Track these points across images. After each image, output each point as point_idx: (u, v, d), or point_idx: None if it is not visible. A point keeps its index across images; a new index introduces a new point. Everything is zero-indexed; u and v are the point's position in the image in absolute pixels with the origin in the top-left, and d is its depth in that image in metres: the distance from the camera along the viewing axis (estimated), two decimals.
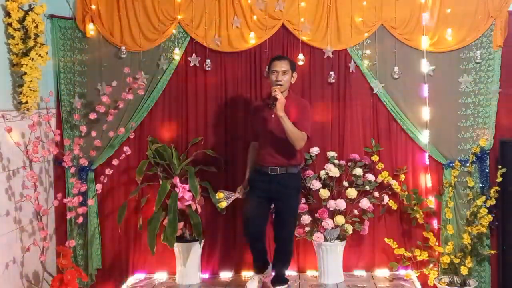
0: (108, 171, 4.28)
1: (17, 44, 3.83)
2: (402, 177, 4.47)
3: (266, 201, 4.01)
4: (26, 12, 3.88)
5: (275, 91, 3.73)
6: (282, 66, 3.89)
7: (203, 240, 4.42)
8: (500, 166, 4.29)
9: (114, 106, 4.42)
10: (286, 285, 4.15)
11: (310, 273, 4.60)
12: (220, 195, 4.06)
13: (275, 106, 3.69)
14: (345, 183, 4.45)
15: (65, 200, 4.17)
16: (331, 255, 4.37)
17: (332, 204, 4.38)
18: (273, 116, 3.82)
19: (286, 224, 4.01)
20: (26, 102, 3.92)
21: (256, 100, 4.44)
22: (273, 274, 4.21)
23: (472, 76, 4.41)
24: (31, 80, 3.91)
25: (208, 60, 4.54)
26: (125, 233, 4.63)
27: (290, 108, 3.82)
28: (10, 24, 3.79)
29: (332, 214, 4.40)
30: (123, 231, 4.54)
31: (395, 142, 4.55)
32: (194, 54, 4.55)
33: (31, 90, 3.93)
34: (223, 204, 4.06)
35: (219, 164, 4.51)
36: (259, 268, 4.22)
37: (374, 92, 4.49)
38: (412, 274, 4.42)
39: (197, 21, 4.51)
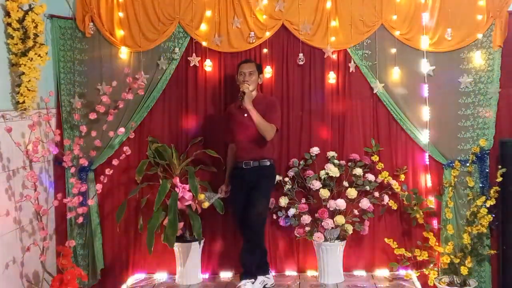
0: (108, 171, 4.28)
1: (16, 44, 3.82)
2: (402, 177, 4.47)
3: (244, 193, 4.15)
4: (26, 12, 3.87)
5: (243, 86, 4.09)
6: (249, 67, 4.19)
7: (203, 240, 4.43)
8: (500, 166, 4.29)
9: (114, 106, 4.42)
10: (252, 280, 4.12)
11: (310, 273, 4.60)
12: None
13: (243, 99, 4.01)
14: (345, 183, 4.45)
15: (65, 200, 4.17)
16: (331, 255, 4.37)
17: (332, 204, 4.38)
18: (245, 115, 4.09)
19: (252, 210, 4.04)
20: (23, 102, 3.91)
21: (229, 104, 4.43)
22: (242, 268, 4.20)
23: (472, 76, 4.41)
24: (29, 80, 3.90)
25: (208, 60, 4.55)
26: (125, 233, 4.63)
27: (259, 105, 4.09)
28: (9, 24, 3.78)
29: (332, 214, 4.40)
30: (123, 231, 4.54)
31: (395, 142, 4.55)
32: (194, 54, 4.55)
33: (28, 90, 3.92)
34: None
35: (219, 164, 4.51)
36: (260, 270, 4.25)
37: (374, 92, 4.49)
38: (412, 274, 4.42)
39: (197, 21, 4.51)
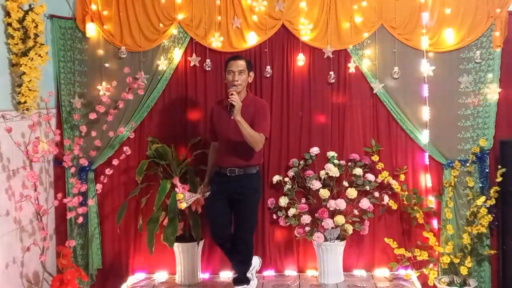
0: (108, 171, 4.28)
1: (17, 44, 3.82)
2: (402, 177, 4.47)
3: (226, 202, 3.99)
4: (26, 12, 3.87)
5: (232, 94, 3.74)
6: (238, 66, 3.88)
7: (203, 240, 4.43)
8: (500, 166, 4.29)
9: (114, 106, 4.42)
10: (246, 285, 4.10)
11: (310, 273, 4.60)
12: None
13: (232, 112, 3.70)
14: (345, 183, 4.46)
15: (65, 200, 4.17)
16: (331, 255, 4.38)
17: (332, 204, 4.38)
18: (232, 118, 3.74)
19: (244, 225, 3.99)
20: (25, 102, 3.91)
21: (216, 102, 4.21)
22: (236, 274, 4.16)
23: (472, 76, 4.41)
24: (30, 80, 3.90)
25: (208, 60, 4.55)
26: (125, 233, 4.63)
27: (247, 108, 3.84)
28: (10, 24, 3.78)
29: (332, 214, 4.40)
30: (123, 231, 4.54)
31: (395, 142, 4.55)
32: (194, 54, 4.55)
33: (30, 90, 3.92)
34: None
35: None
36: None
37: (374, 92, 4.49)
38: (412, 274, 4.42)
39: (197, 21, 4.51)
